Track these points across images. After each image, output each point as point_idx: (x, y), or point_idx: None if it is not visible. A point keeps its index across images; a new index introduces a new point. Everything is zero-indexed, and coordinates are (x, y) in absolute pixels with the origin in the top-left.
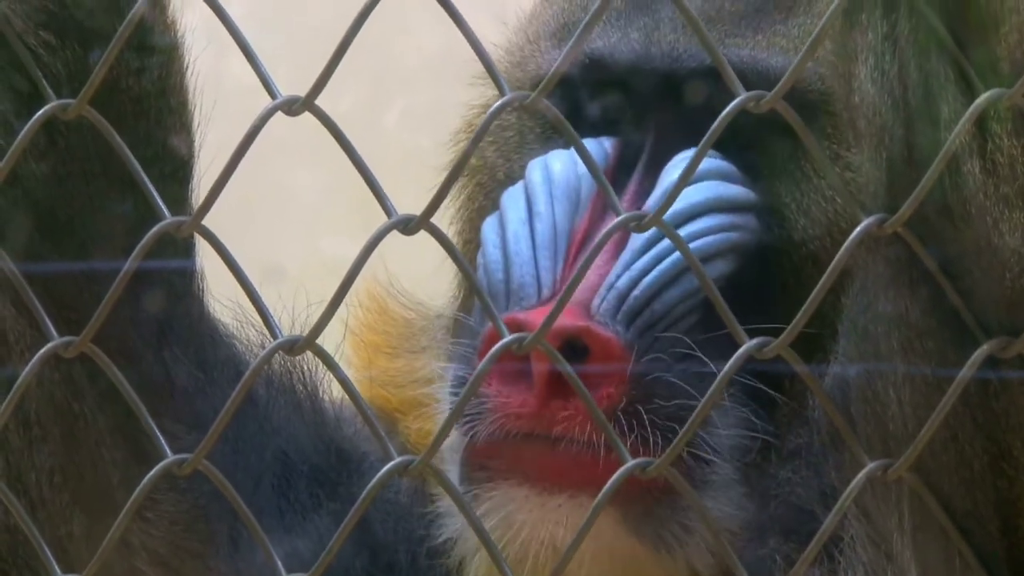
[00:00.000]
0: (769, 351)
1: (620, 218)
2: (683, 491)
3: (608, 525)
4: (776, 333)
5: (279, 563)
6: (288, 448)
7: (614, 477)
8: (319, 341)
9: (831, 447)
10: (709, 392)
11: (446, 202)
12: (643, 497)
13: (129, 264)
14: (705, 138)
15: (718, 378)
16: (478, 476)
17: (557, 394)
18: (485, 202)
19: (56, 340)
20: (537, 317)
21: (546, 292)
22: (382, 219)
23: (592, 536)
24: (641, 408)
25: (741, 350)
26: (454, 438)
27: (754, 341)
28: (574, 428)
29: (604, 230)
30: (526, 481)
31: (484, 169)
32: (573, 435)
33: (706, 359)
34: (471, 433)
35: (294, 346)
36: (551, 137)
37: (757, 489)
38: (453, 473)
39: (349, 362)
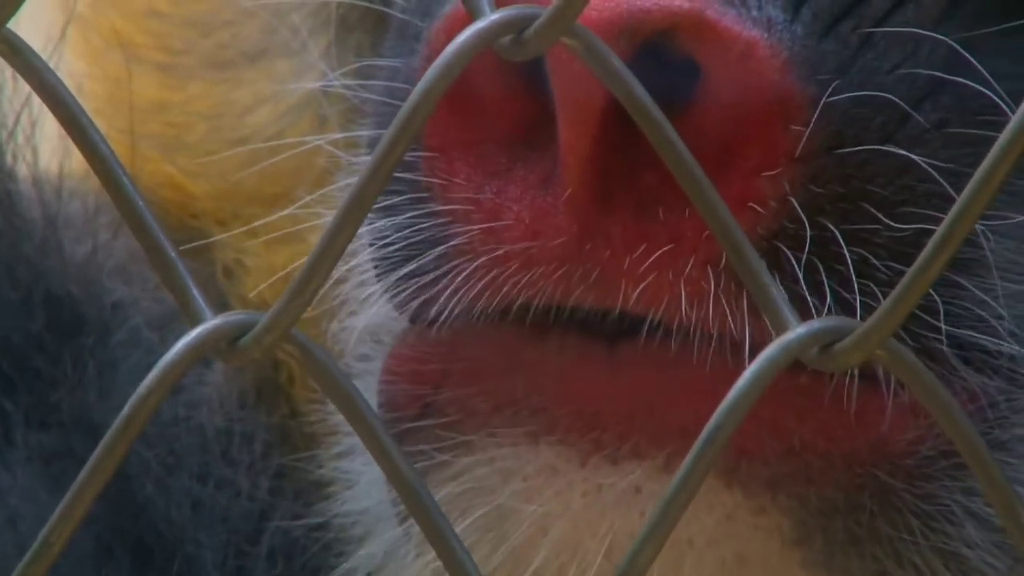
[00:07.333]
0: None
1: None
2: (936, 409)
3: (760, 540)
4: None
5: None
6: None
7: (762, 356)
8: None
9: None
10: (982, 169)
11: None
12: (844, 476)
13: None
14: None
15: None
16: (438, 412)
17: (619, 204)
18: None
19: None
20: None
21: None
22: None
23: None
24: (833, 227)
25: None
26: (378, 312)
27: None
28: (670, 295)
29: None
30: (556, 428)
31: None
32: (668, 312)
33: (993, 92)
34: (419, 311)
35: None
36: None
37: None
38: (371, 389)
39: (78, 87)
